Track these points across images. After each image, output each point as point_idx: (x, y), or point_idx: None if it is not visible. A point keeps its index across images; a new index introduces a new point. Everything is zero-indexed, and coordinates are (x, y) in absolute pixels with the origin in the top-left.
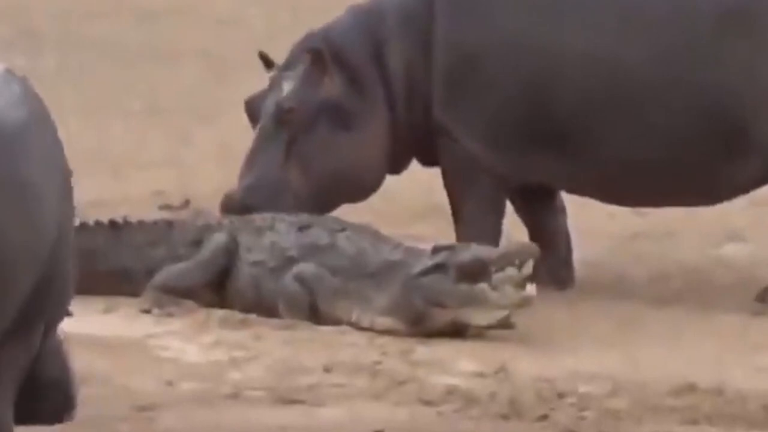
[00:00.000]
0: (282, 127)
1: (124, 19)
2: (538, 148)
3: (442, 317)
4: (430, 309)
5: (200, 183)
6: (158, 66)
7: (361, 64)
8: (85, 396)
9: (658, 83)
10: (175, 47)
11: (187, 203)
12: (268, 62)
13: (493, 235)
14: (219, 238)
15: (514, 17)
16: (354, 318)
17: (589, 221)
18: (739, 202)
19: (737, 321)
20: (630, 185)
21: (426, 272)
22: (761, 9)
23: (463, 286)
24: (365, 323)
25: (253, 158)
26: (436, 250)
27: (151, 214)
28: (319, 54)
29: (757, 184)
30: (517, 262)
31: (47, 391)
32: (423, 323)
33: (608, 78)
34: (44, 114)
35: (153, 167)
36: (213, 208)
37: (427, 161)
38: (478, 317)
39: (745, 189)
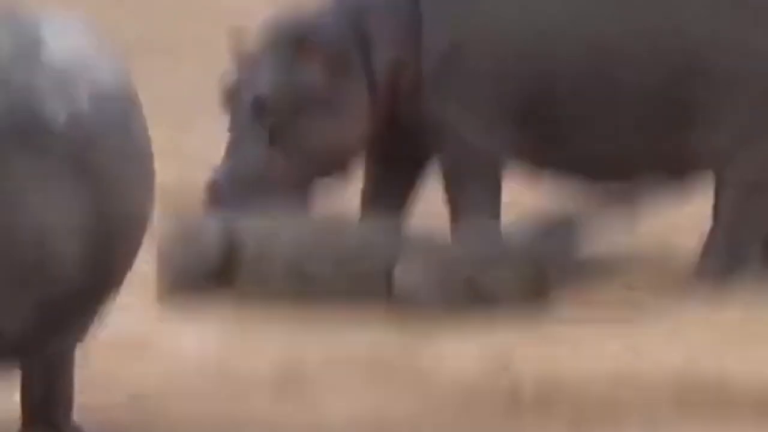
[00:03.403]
0: (261, 114)
1: (125, 10)
2: (532, 132)
3: (576, 285)
4: (567, 280)
5: (201, 175)
6: (159, 57)
7: (345, 52)
8: (84, 386)
9: (639, 59)
10: (176, 38)
11: (186, 193)
12: (239, 42)
13: (492, 225)
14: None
15: (499, 5)
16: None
17: None
18: None
19: (737, 313)
20: (616, 165)
21: (555, 241)
22: None
23: (600, 249)
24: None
25: (235, 147)
26: (538, 218)
27: None
28: (305, 42)
29: (720, 160)
30: None
31: None
32: (555, 296)
33: (592, 57)
34: None
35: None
36: None
37: (381, 154)
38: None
39: (709, 165)
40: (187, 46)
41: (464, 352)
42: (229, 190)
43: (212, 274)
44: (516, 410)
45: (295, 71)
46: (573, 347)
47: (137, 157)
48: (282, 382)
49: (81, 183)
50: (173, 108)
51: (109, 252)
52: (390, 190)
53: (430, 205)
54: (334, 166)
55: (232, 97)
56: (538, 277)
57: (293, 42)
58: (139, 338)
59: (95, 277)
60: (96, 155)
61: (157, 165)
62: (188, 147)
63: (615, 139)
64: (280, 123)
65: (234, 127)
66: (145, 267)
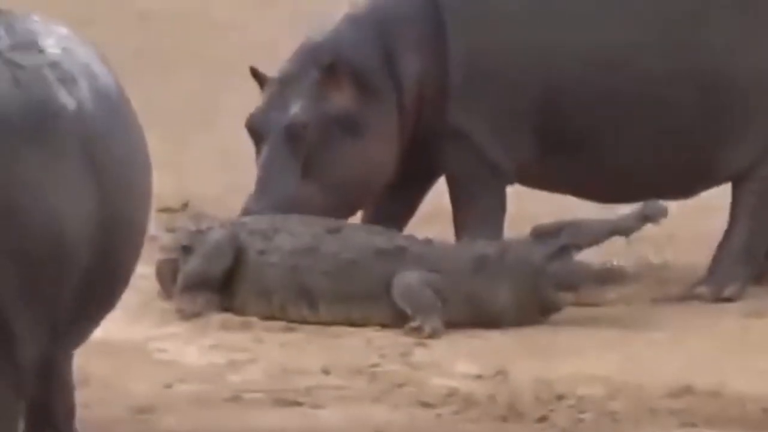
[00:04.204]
0: (295, 143)
1: (122, 23)
2: (553, 149)
3: (570, 300)
4: (562, 294)
5: (198, 186)
6: (156, 70)
7: (373, 73)
8: (84, 398)
9: (662, 75)
10: (173, 51)
11: (185, 206)
12: (259, 77)
13: (497, 238)
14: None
15: (520, 19)
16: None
17: None
18: None
19: (737, 323)
20: (635, 182)
21: (552, 257)
22: None
23: (597, 265)
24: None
25: (267, 177)
26: (539, 232)
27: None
28: (332, 68)
29: (742, 173)
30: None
31: None
32: (553, 309)
33: (615, 75)
34: None
35: (152, 179)
36: (212, 210)
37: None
38: (610, 294)
39: (731, 178)
40: (183, 59)
41: (462, 360)
42: None
43: (217, 282)
44: (514, 420)
45: (326, 98)
46: (572, 357)
47: (136, 157)
48: (281, 390)
49: (88, 176)
50: (170, 121)
51: (114, 249)
52: (393, 200)
53: (430, 211)
54: (370, 191)
55: (259, 123)
56: (537, 287)
57: (322, 67)
58: (138, 348)
59: (101, 273)
60: (99, 151)
61: (155, 177)
62: (186, 161)
63: (636, 155)
64: (313, 151)
65: (265, 155)
66: (144, 277)
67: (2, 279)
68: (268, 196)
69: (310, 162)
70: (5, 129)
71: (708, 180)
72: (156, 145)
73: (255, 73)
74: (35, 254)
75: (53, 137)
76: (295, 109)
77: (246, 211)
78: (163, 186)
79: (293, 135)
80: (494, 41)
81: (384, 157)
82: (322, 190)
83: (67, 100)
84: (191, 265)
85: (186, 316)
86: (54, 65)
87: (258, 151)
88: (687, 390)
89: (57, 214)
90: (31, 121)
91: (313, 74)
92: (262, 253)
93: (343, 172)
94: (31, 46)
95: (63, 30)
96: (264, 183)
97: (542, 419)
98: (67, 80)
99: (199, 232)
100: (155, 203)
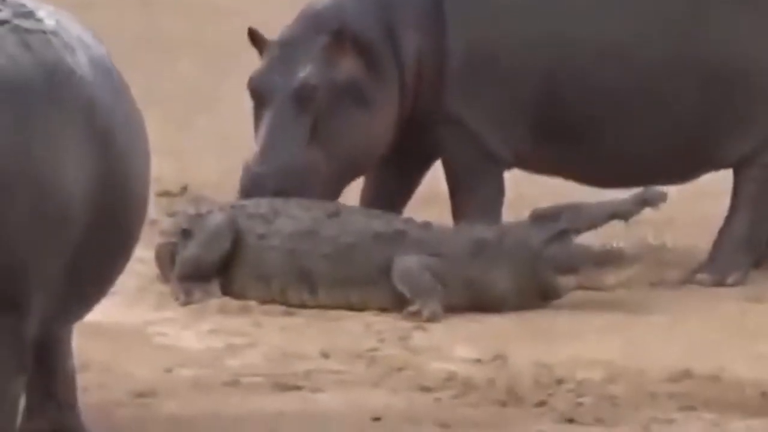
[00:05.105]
0: (304, 107)
1: (123, 7)
2: (552, 137)
3: (571, 283)
4: (561, 277)
5: (198, 170)
6: (156, 55)
7: (377, 45)
8: (83, 382)
9: (662, 66)
10: (173, 36)
11: (184, 190)
12: (258, 40)
13: (496, 218)
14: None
15: (520, 10)
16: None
17: None
18: None
19: (736, 308)
20: (635, 170)
21: (551, 240)
22: None
23: (597, 247)
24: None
25: (273, 139)
26: (538, 216)
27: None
28: (341, 34)
29: (743, 162)
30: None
31: None
32: (553, 294)
33: (615, 65)
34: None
35: (151, 154)
36: (211, 194)
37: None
38: (610, 277)
39: (732, 165)
40: (185, 44)
41: (461, 344)
42: (270, 184)
43: (215, 267)
44: (513, 404)
45: (335, 63)
46: (571, 341)
47: (134, 128)
48: (280, 374)
49: (91, 140)
50: (171, 105)
51: (113, 218)
52: (392, 181)
53: (427, 194)
54: (369, 162)
55: (262, 85)
56: (536, 270)
57: (331, 32)
58: (137, 332)
59: (102, 240)
60: (100, 117)
61: (155, 162)
62: (186, 145)
63: (636, 145)
64: (321, 117)
65: (271, 116)
66: (143, 261)
67: (16, 243)
68: (273, 159)
69: (317, 127)
70: (21, 91)
71: (708, 167)
72: (156, 129)
73: (254, 36)
74: (46, 217)
75: (64, 100)
76: (304, 72)
77: (248, 171)
78: (162, 170)
79: (303, 98)
80: (494, 31)
81: (386, 130)
82: (328, 157)
83: (74, 65)
84: (189, 251)
85: (183, 304)
86: (55, 33)
87: (258, 114)
88: (686, 374)
89: (66, 177)
90: (44, 84)
91: (321, 39)
92: (261, 237)
93: (351, 141)
94: (30, 15)
95: (49, 6)
96: (269, 144)
97: (541, 403)
98: (68, 48)
99: (199, 216)
100: (155, 187)
